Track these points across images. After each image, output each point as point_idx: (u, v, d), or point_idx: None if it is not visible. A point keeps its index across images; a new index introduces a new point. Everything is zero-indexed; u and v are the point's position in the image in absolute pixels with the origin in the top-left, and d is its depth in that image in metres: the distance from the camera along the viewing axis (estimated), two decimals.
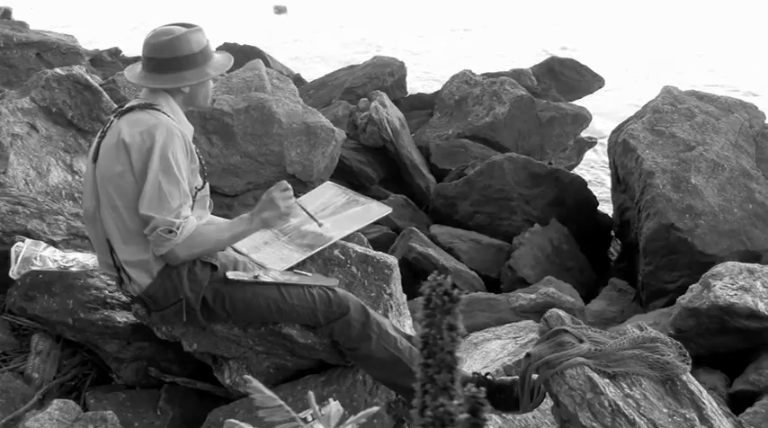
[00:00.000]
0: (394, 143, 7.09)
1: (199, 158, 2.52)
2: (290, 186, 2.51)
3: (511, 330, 3.74)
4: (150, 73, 2.48)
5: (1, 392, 2.76)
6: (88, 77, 4.57)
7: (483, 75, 8.95)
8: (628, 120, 6.32)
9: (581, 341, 2.45)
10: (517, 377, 2.54)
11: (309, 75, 11.13)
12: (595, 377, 2.26)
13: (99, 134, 2.52)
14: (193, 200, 2.49)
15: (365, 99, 7.66)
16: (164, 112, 2.43)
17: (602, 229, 6.70)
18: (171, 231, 2.31)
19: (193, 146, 2.48)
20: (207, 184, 2.58)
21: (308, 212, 2.71)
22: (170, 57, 2.44)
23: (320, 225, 2.73)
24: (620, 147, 5.94)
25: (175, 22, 2.54)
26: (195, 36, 2.48)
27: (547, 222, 6.13)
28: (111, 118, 2.50)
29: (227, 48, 10.19)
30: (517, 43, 19.19)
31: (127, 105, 2.51)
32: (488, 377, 2.63)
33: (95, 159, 2.46)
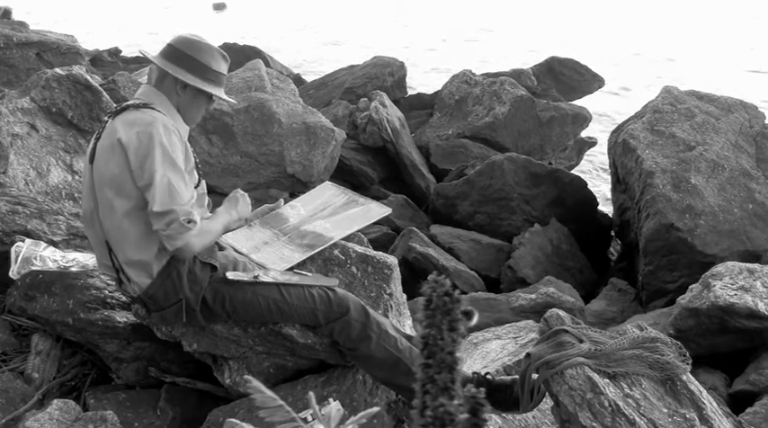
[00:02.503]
0: (394, 143, 7.09)
1: (194, 156, 2.52)
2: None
3: (511, 330, 3.74)
4: (163, 57, 2.54)
5: (1, 392, 2.76)
6: (88, 77, 4.57)
7: (483, 75, 8.95)
8: (628, 120, 6.32)
9: (581, 341, 2.45)
10: (517, 377, 2.54)
11: None
12: (595, 377, 2.26)
13: (95, 135, 2.52)
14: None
15: (365, 99, 7.66)
16: (158, 111, 2.44)
17: (602, 229, 6.70)
18: (191, 220, 2.32)
19: (188, 144, 2.49)
20: (203, 182, 2.59)
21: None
22: (187, 54, 2.51)
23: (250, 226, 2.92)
24: (620, 147, 5.94)
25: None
26: (220, 58, 2.59)
27: (547, 222, 6.13)
28: (106, 118, 2.51)
29: (226, 48, 10.19)
30: (517, 44, 19.19)
31: (122, 105, 2.52)
32: (488, 377, 2.63)
33: (92, 160, 2.46)
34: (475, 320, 2.36)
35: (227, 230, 2.71)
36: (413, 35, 20.82)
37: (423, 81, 13.11)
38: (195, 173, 2.51)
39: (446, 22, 23.73)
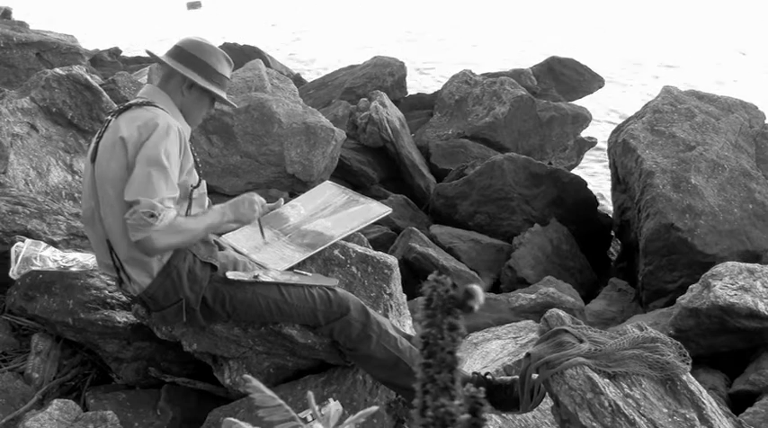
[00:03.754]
0: (394, 143, 7.09)
1: (194, 156, 2.52)
2: (263, 201, 2.69)
3: (511, 330, 3.74)
4: (169, 56, 2.58)
5: (1, 392, 2.76)
6: (88, 77, 4.57)
7: (483, 75, 8.95)
8: (628, 120, 6.32)
9: (581, 341, 2.45)
10: (517, 376, 2.54)
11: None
12: (595, 377, 2.26)
13: (97, 134, 2.53)
14: (190, 199, 2.49)
15: (365, 99, 7.66)
16: (161, 109, 2.45)
17: (602, 229, 6.70)
18: (153, 215, 2.27)
19: (189, 143, 2.49)
20: (203, 182, 2.59)
21: (260, 226, 2.80)
22: (194, 55, 2.55)
23: (263, 238, 2.83)
24: (620, 147, 5.94)
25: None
26: (224, 61, 2.63)
27: (547, 222, 6.13)
28: (109, 117, 2.51)
29: (226, 48, 10.19)
30: (517, 44, 19.19)
31: (126, 104, 2.53)
32: (488, 376, 2.63)
33: (94, 159, 2.47)
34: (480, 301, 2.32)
35: (216, 231, 2.66)
36: (378, 35, 20.77)
37: (417, 79, 13.12)
38: (195, 172, 2.51)
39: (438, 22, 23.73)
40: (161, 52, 2.67)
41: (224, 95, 2.62)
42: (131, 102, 2.53)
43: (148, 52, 2.81)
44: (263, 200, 2.69)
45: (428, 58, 16.72)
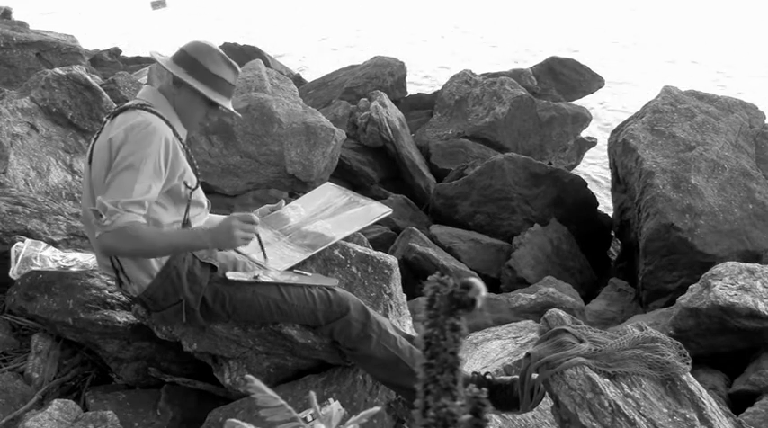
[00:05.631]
0: (394, 143, 7.09)
1: (191, 158, 2.51)
2: (257, 220, 2.42)
3: (511, 330, 3.74)
4: (170, 58, 2.53)
5: (1, 392, 2.76)
6: (88, 77, 4.57)
7: (483, 75, 8.96)
8: (628, 120, 6.33)
9: (581, 341, 2.45)
10: (517, 376, 2.54)
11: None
12: (595, 377, 2.26)
13: (94, 136, 2.53)
14: (188, 201, 2.49)
15: (365, 99, 7.66)
16: (157, 113, 2.43)
17: (602, 229, 6.71)
18: (100, 215, 2.25)
19: (184, 147, 2.47)
20: (199, 188, 2.57)
21: (261, 245, 2.59)
22: (187, 53, 2.49)
23: (266, 259, 2.64)
24: (620, 147, 5.94)
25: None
26: (221, 62, 2.51)
27: (547, 222, 6.14)
28: (105, 119, 2.51)
29: (226, 48, 10.20)
30: (518, 45, 19.19)
31: (122, 106, 2.52)
32: (488, 377, 2.63)
33: (90, 160, 2.47)
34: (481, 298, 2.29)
35: (180, 250, 2.45)
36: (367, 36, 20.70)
37: (415, 80, 13.11)
38: (192, 175, 2.50)
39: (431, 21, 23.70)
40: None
41: (218, 98, 2.49)
42: (127, 104, 2.51)
43: (150, 53, 2.77)
44: (254, 222, 2.41)
45: (431, 62, 16.68)
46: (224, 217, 2.86)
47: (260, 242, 2.57)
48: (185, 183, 2.46)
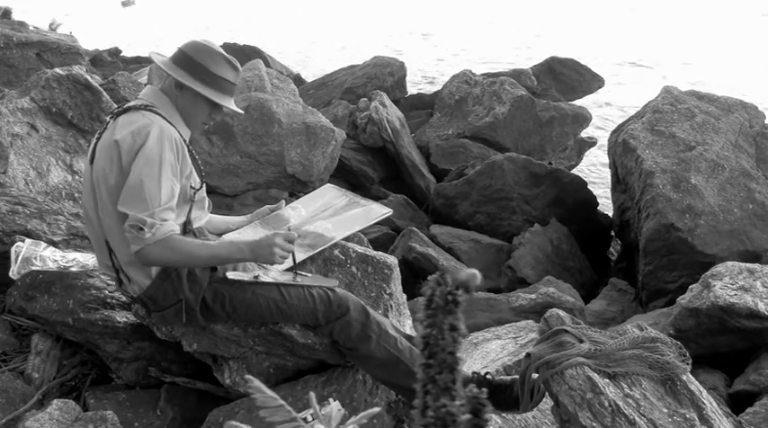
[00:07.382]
0: (394, 143, 7.09)
1: (195, 159, 2.51)
2: (295, 236, 2.47)
3: (511, 330, 3.74)
4: (169, 59, 2.52)
5: (1, 392, 2.76)
6: (88, 77, 4.57)
7: (483, 75, 8.96)
8: (628, 120, 6.33)
9: (581, 341, 2.45)
10: (517, 376, 2.54)
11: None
12: (595, 377, 2.26)
13: (96, 135, 2.52)
14: (192, 201, 2.49)
15: (365, 99, 7.66)
16: (160, 114, 2.43)
17: (602, 229, 6.71)
18: (141, 229, 2.26)
19: (187, 147, 2.47)
20: (204, 185, 2.58)
21: (295, 263, 2.60)
22: (187, 54, 2.48)
23: (295, 275, 2.64)
24: (620, 147, 5.94)
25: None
26: (221, 61, 2.49)
27: (547, 222, 6.14)
28: (108, 118, 2.50)
29: (226, 48, 10.19)
30: (517, 45, 19.19)
31: (125, 106, 2.51)
32: (488, 377, 2.63)
33: (92, 160, 2.46)
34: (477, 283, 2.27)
35: (224, 263, 2.51)
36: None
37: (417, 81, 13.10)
38: (196, 175, 2.51)
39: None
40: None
41: (216, 98, 2.48)
42: (130, 104, 2.51)
43: (150, 53, 2.75)
44: (293, 240, 2.45)
45: (431, 63, 16.68)
46: (226, 218, 2.87)
47: (294, 259, 2.57)
48: (190, 184, 2.47)
